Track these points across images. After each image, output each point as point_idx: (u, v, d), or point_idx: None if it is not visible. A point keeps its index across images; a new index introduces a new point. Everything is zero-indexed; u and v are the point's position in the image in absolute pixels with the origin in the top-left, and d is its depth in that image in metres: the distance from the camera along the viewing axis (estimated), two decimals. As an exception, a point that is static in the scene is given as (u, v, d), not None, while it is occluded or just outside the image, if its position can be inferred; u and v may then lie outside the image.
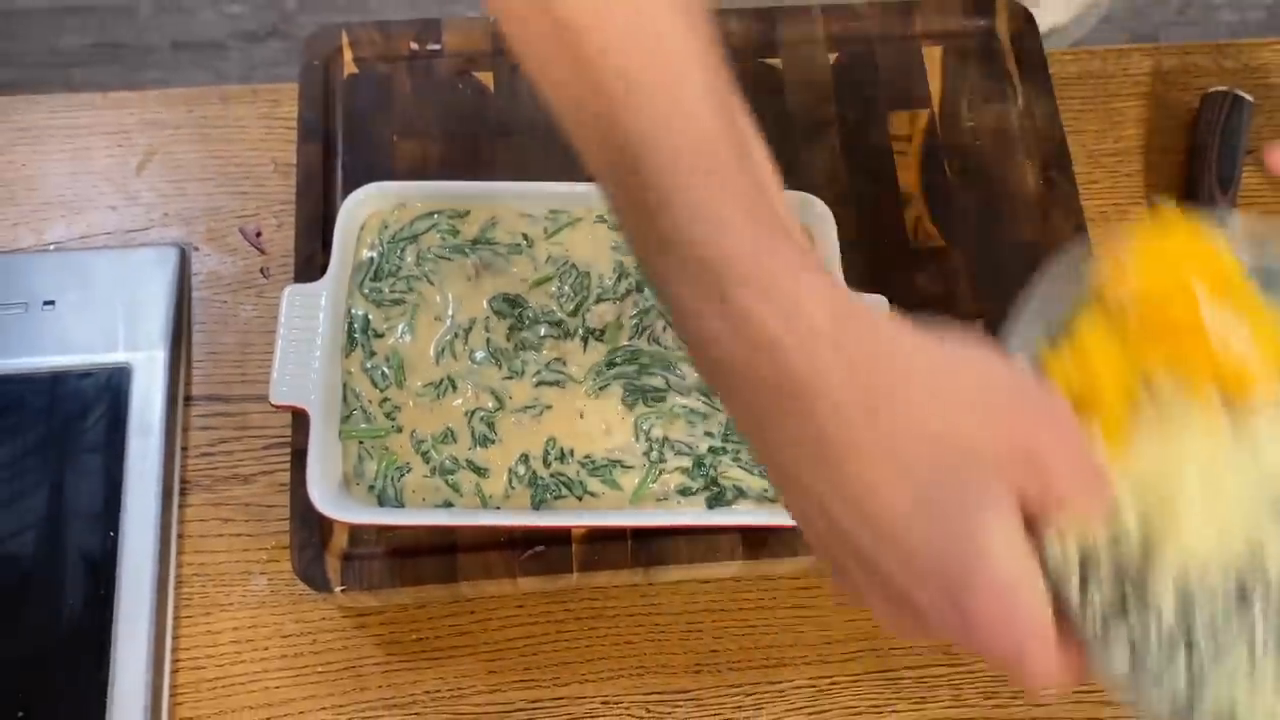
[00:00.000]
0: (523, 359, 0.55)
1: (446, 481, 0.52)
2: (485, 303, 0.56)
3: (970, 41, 0.68)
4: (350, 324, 0.55)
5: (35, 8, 1.65)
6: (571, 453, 0.53)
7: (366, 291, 0.55)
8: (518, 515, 0.52)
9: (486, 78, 0.65)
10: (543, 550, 0.54)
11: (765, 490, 0.53)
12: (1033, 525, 0.35)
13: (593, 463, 0.53)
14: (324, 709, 0.55)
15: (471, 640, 0.57)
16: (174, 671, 0.55)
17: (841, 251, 0.57)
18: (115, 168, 0.66)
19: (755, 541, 0.55)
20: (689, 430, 0.54)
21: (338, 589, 0.53)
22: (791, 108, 0.64)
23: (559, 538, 0.54)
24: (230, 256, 0.64)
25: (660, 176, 0.35)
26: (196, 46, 1.65)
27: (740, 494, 0.53)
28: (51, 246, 0.64)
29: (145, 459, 0.57)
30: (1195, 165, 0.70)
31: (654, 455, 0.53)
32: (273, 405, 0.52)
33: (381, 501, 0.52)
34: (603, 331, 0.55)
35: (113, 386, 0.59)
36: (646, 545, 0.55)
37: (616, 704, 0.56)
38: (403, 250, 0.56)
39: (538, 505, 0.52)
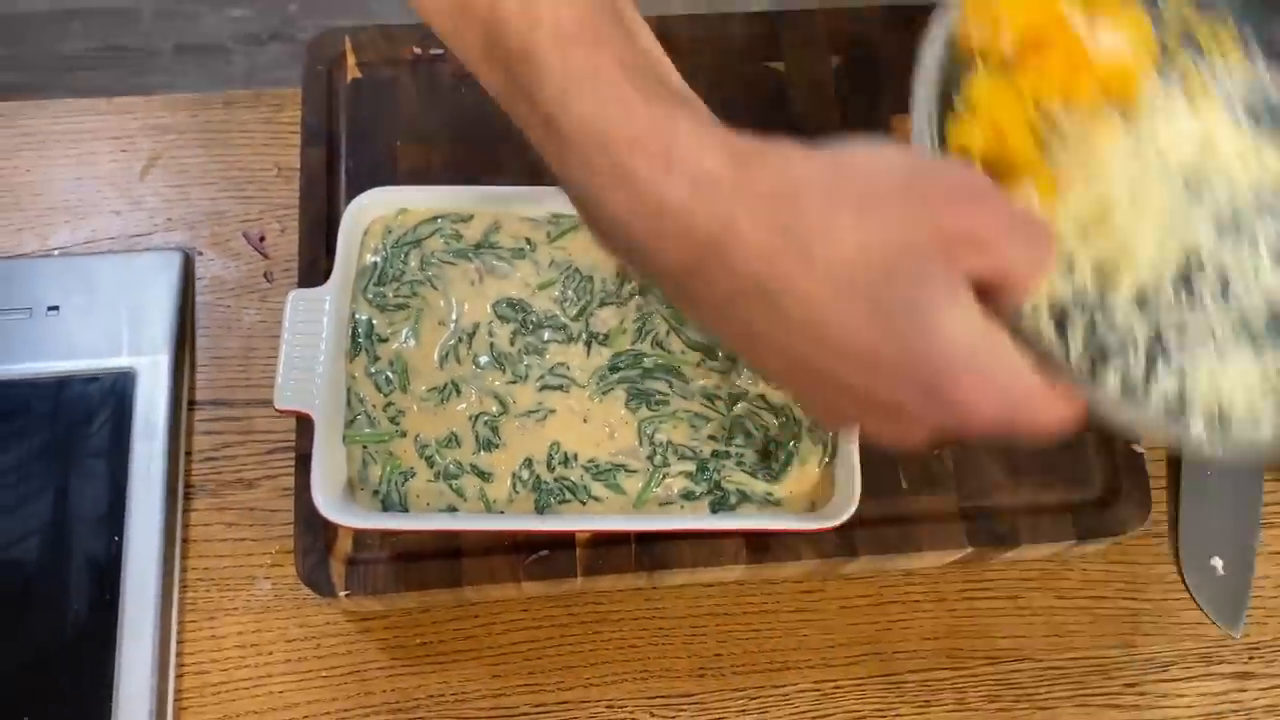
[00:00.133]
0: (526, 363, 0.55)
1: (450, 486, 0.52)
2: (489, 307, 0.56)
3: (973, 45, 0.68)
4: (354, 329, 0.55)
5: (38, 11, 1.65)
6: (575, 457, 0.53)
7: (370, 296, 0.55)
8: (522, 520, 0.52)
9: (489, 82, 0.65)
10: (547, 554, 0.54)
11: (769, 494, 0.53)
12: (990, 295, 0.35)
13: (596, 467, 0.53)
14: (328, 713, 0.55)
15: (475, 644, 0.57)
16: (178, 676, 0.56)
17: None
18: (119, 172, 0.66)
19: (758, 545, 0.55)
20: (692, 434, 0.54)
21: (342, 593, 0.53)
22: (794, 111, 0.64)
23: (563, 542, 0.55)
24: (234, 261, 0.64)
25: (543, 56, 0.36)
26: (199, 50, 1.65)
27: (744, 498, 0.53)
28: (56, 251, 0.64)
29: (149, 463, 0.58)
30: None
31: (657, 459, 0.53)
32: (277, 410, 0.52)
33: (385, 506, 0.52)
34: (606, 336, 0.55)
35: (117, 391, 0.59)
36: (650, 549, 0.55)
37: (620, 708, 0.56)
38: (406, 255, 0.56)
39: (541, 509, 0.52)
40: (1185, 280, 0.44)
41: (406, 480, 0.53)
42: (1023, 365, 0.35)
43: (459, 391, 0.54)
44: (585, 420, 0.54)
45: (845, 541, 0.55)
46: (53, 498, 0.57)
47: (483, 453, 0.53)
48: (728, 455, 0.54)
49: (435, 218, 0.57)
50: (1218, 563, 0.61)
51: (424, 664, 0.57)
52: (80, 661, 0.54)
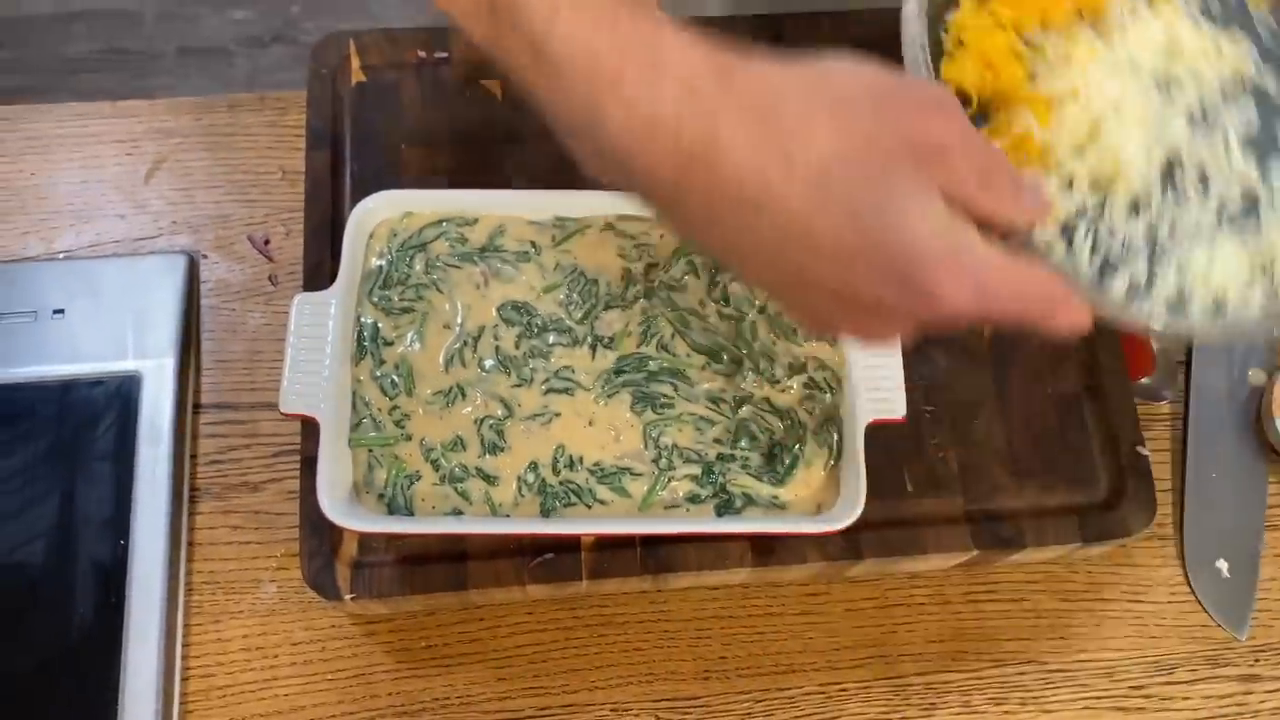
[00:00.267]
0: (531, 367, 0.55)
1: (456, 489, 0.53)
2: (494, 310, 0.56)
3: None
4: (359, 332, 0.55)
5: (41, 14, 1.65)
6: (580, 460, 0.53)
7: (375, 300, 0.55)
8: (527, 523, 0.52)
9: (494, 86, 0.65)
10: (552, 557, 0.54)
11: (774, 497, 0.53)
12: (959, 204, 0.37)
13: (602, 470, 0.53)
14: (333, 716, 0.55)
15: (481, 647, 0.57)
16: (184, 679, 0.56)
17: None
18: (124, 176, 0.66)
19: (764, 548, 0.55)
20: (698, 437, 0.54)
21: (347, 597, 0.53)
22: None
23: (568, 545, 0.55)
24: (239, 264, 0.65)
25: None
26: (202, 52, 1.65)
27: (749, 501, 0.53)
28: (61, 255, 0.64)
29: (155, 467, 0.58)
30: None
31: (663, 463, 0.53)
32: (282, 414, 0.52)
33: (391, 509, 0.52)
34: (611, 339, 0.56)
35: (122, 394, 0.59)
36: (655, 552, 0.55)
37: (625, 711, 0.56)
38: (411, 258, 0.56)
39: (547, 513, 0.52)
40: (1170, 179, 0.49)
41: (412, 484, 0.53)
42: (993, 254, 0.37)
43: (464, 395, 0.54)
44: (590, 423, 0.54)
45: (850, 544, 0.55)
46: (58, 501, 0.57)
47: (488, 456, 0.53)
48: (733, 458, 0.54)
49: (440, 221, 0.57)
50: (1223, 565, 0.61)
51: (429, 667, 0.57)
52: (86, 665, 0.54)
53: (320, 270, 0.58)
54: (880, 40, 0.67)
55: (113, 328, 0.61)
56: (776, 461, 0.53)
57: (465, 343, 0.55)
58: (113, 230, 0.65)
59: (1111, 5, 0.51)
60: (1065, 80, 0.48)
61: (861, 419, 0.53)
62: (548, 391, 0.54)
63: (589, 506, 0.53)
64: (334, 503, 0.50)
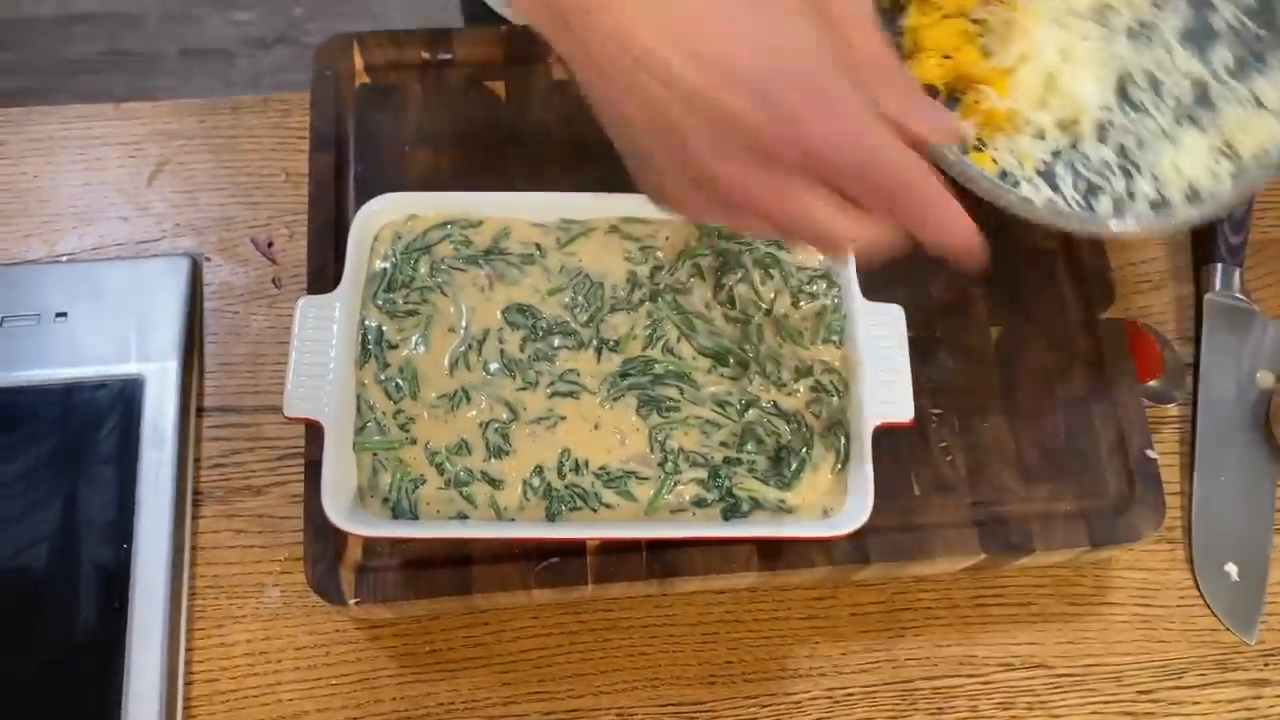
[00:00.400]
0: (536, 370, 0.54)
1: (461, 493, 0.52)
2: (499, 313, 0.55)
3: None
4: (364, 335, 0.55)
5: (44, 16, 1.65)
6: (586, 464, 0.53)
7: (380, 303, 0.55)
8: (532, 528, 0.52)
9: (498, 87, 0.64)
10: (557, 562, 0.54)
11: (781, 501, 0.53)
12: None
13: (607, 474, 0.53)
14: (338, 722, 0.55)
15: (485, 652, 0.57)
16: (188, 684, 0.55)
17: (854, 259, 0.56)
18: (127, 178, 0.66)
19: (770, 552, 0.55)
20: (704, 441, 0.54)
21: (352, 601, 0.53)
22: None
23: (573, 549, 0.54)
24: (242, 267, 0.64)
25: None
26: (204, 54, 1.65)
27: (756, 505, 0.53)
28: (63, 258, 0.64)
29: (158, 470, 0.57)
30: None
31: (669, 466, 0.53)
32: (286, 418, 0.52)
33: (396, 514, 0.52)
34: (617, 342, 0.55)
35: (125, 398, 0.59)
36: (661, 556, 0.54)
37: (631, 716, 0.56)
38: (416, 261, 0.56)
39: (552, 517, 0.52)
40: (1125, 96, 0.56)
41: (417, 488, 0.52)
42: (881, 125, 0.36)
43: (469, 398, 0.54)
44: (596, 427, 0.54)
45: (857, 548, 0.55)
46: (61, 505, 0.57)
47: (493, 460, 0.53)
48: (739, 462, 0.53)
49: (445, 223, 0.57)
50: (1232, 569, 0.61)
51: (434, 672, 0.56)
52: (88, 670, 0.54)
53: (324, 273, 0.58)
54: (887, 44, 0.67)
55: (115, 331, 0.60)
56: (783, 465, 0.53)
57: (470, 346, 0.55)
58: (116, 233, 0.65)
59: None
60: (1015, 47, 0.53)
61: (869, 422, 0.53)
62: (553, 395, 0.54)
63: (594, 510, 0.52)
64: (338, 507, 0.50)
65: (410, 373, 0.54)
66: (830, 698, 0.57)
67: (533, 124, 0.64)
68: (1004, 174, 0.54)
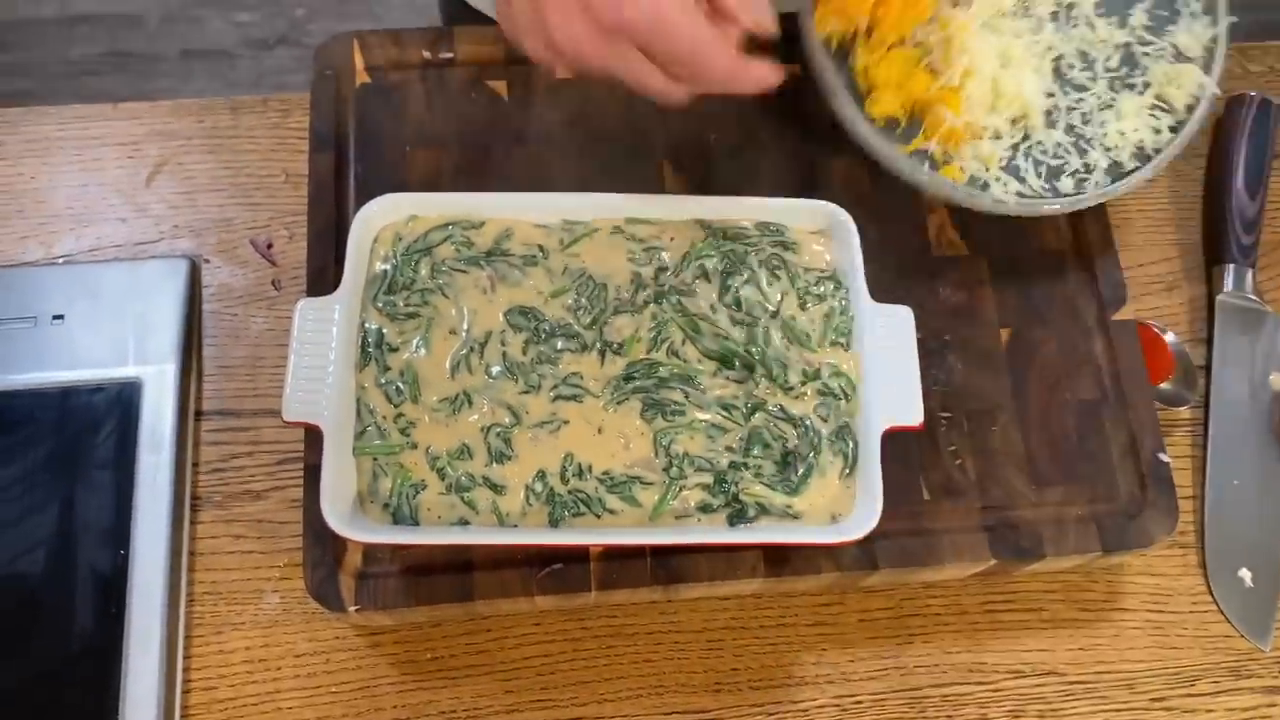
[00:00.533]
0: (539, 373, 0.54)
1: (462, 499, 0.51)
2: (501, 316, 0.55)
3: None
4: (364, 338, 0.54)
5: (45, 17, 1.65)
6: (590, 469, 0.52)
7: (380, 305, 0.54)
8: (535, 534, 0.51)
9: (500, 87, 0.64)
10: (560, 568, 0.53)
11: (788, 507, 0.52)
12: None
13: (611, 479, 0.52)
14: (338, 730, 0.54)
15: (488, 659, 0.56)
16: (186, 692, 0.55)
17: (864, 260, 0.55)
18: (125, 179, 0.65)
19: (776, 558, 0.54)
20: (709, 445, 0.53)
21: (352, 608, 0.52)
22: (812, 115, 0.63)
23: (577, 555, 0.53)
24: (241, 269, 0.64)
25: None
26: (205, 55, 1.65)
27: (762, 511, 0.52)
28: (61, 259, 0.63)
29: (156, 475, 0.57)
30: (1220, 170, 0.69)
31: (674, 471, 0.52)
32: (285, 422, 0.51)
33: (396, 519, 0.51)
34: (620, 345, 0.54)
35: (123, 401, 0.58)
36: (666, 562, 0.53)
37: (636, 724, 0.55)
38: (416, 263, 0.55)
39: (555, 523, 0.51)
40: (1063, 79, 0.60)
41: (417, 493, 0.51)
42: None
43: (471, 402, 0.53)
44: (600, 431, 0.53)
45: (865, 554, 0.54)
46: (58, 510, 0.56)
47: (495, 465, 0.52)
48: (745, 467, 0.52)
49: (446, 224, 0.56)
50: (1245, 575, 0.60)
51: (435, 679, 0.56)
52: (86, 676, 0.53)
53: (324, 275, 0.57)
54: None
55: (113, 333, 0.60)
56: (790, 470, 0.52)
57: (472, 349, 0.54)
58: (113, 234, 0.64)
59: None
60: (958, 63, 0.57)
61: (877, 426, 0.52)
62: (556, 398, 0.53)
63: (598, 516, 0.51)
64: (337, 513, 0.49)
65: (411, 376, 0.53)
66: (838, 706, 0.56)
67: (535, 123, 0.63)
68: (973, 179, 0.58)
